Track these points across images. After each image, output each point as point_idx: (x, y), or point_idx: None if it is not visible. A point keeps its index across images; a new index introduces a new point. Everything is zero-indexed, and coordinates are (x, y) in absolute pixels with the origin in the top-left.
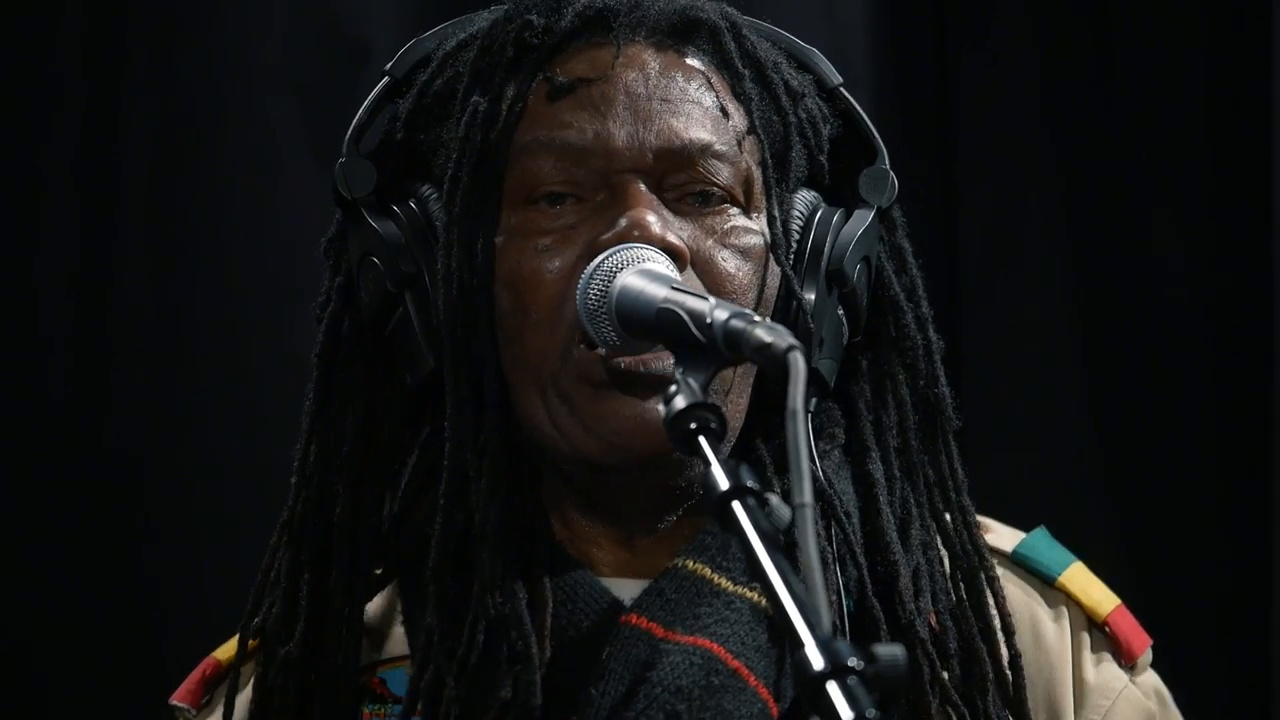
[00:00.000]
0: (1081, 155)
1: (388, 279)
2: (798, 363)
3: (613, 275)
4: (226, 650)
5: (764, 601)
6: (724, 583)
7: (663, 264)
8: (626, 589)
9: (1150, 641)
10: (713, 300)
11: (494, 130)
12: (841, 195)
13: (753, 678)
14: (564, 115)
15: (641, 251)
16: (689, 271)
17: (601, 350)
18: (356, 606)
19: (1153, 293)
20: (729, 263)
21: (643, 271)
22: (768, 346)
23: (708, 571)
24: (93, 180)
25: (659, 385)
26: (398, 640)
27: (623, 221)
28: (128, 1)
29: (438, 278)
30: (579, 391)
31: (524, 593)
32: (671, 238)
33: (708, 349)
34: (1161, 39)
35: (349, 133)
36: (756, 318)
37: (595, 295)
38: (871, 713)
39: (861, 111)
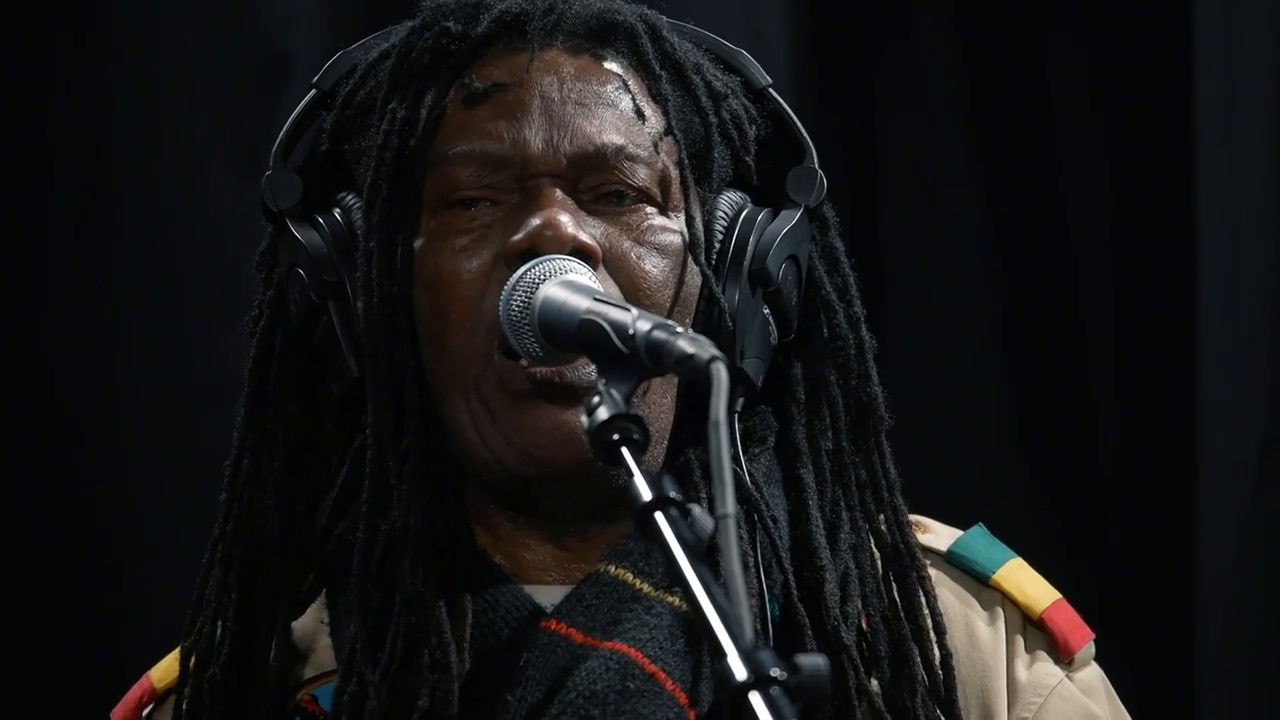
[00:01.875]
0: (1003, 150)
1: (311, 289)
2: (720, 374)
3: (535, 287)
4: (160, 670)
5: (686, 606)
6: (646, 588)
7: (585, 275)
8: (550, 595)
9: (1091, 635)
10: (635, 311)
11: (412, 137)
12: (771, 196)
13: (670, 682)
14: (481, 123)
15: (564, 263)
16: (603, 271)
17: (523, 361)
18: (284, 624)
19: (1075, 285)
20: (644, 261)
21: (565, 283)
22: (690, 358)
23: (630, 576)
24: (20, 189)
25: (577, 394)
26: (327, 654)
27: (535, 221)
28: (53, 12)
29: (358, 285)
30: (499, 400)
31: (444, 601)
32: (584, 237)
33: (630, 360)
34: (1084, 31)
35: (275, 145)
36: (679, 329)
37: (518, 307)
38: None
39: (790, 111)
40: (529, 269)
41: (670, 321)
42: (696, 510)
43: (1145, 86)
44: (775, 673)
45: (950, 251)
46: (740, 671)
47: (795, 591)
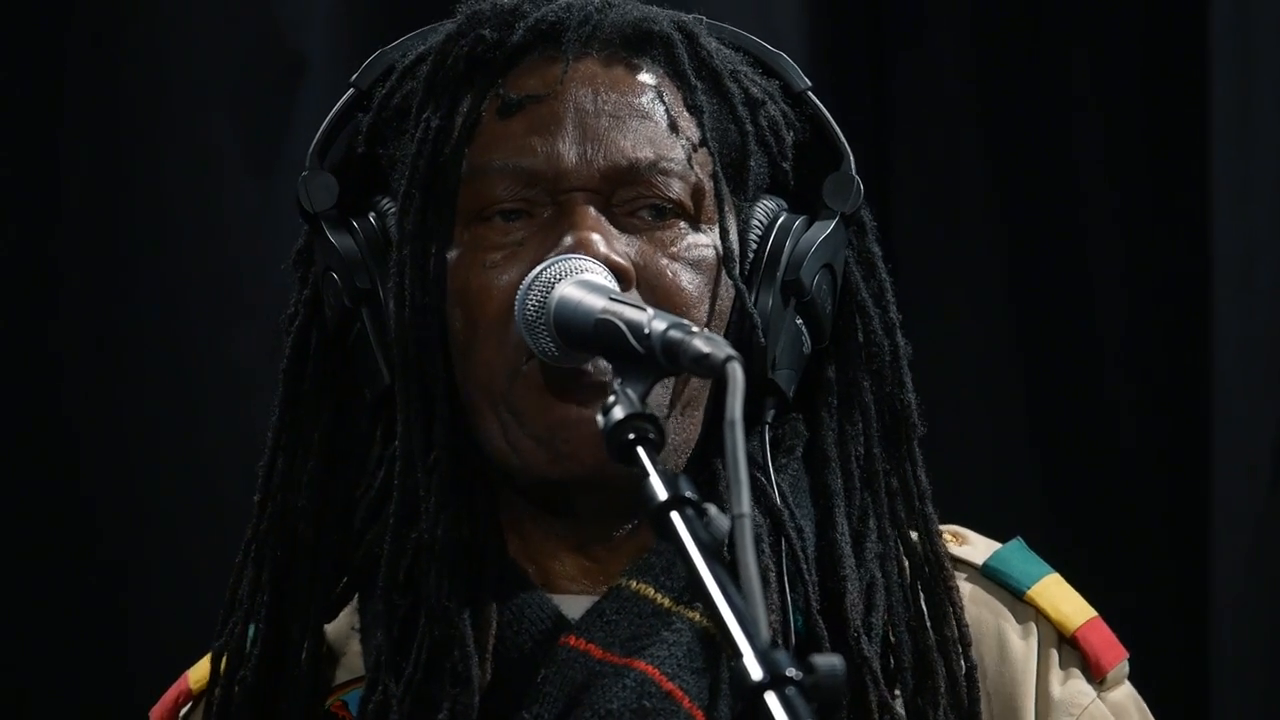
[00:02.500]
0: (1016, 151)
1: (345, 295)
2: (735, 373)
3: (551, 286)
4: (198, 671)
5: (706, 622)
6: (666, 602)
7: (601, 274)
8: (577, 605)
9: (1125, 655)
10: (651, 311)
11: (446, 146)
12: (808, 200)
13: (687, 700)
14: (515, 135)
15: (579, 262)
16: (633, 291)
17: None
18: (316, 627)
19: (1089, 283)
20: (679, 277)
21: (581, 282)
22: (706, 357)
23: (651, 591)
24: (32, 188)
25: (599, 395)
26: (358, 659)
27: (568, 240)
28: (66, 12)
29: (391, 294)
30: (527, 401)
31: (469, 613)
32: (616, 257)
33: (646, 360)
34: (1098, 35)
35: (313, 145)
36: (695, 328)
37: (533, 306)
38: None
39: (828, 115)
40: (545, 268)
41: (686, 321)
42: (713, 510)
43: (1159, 84)
44: (791, 673)
45: (964, 252)
46: (756, 671)
47: (816, 604)
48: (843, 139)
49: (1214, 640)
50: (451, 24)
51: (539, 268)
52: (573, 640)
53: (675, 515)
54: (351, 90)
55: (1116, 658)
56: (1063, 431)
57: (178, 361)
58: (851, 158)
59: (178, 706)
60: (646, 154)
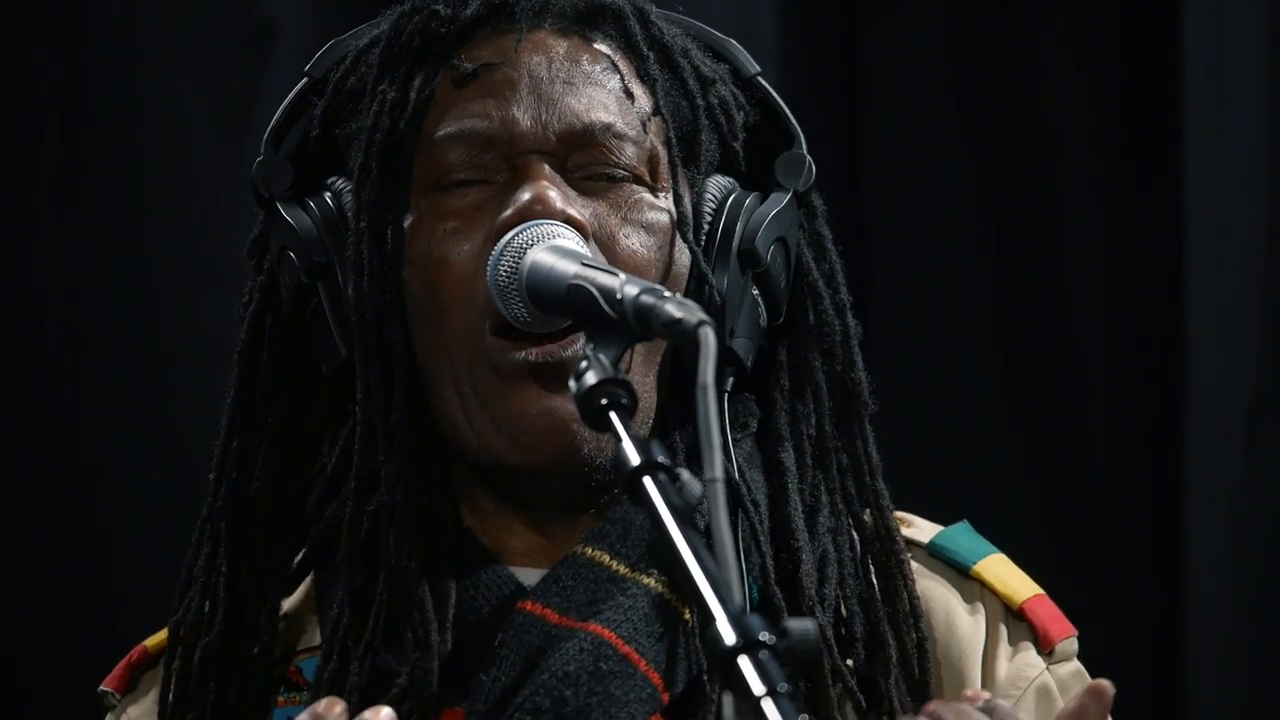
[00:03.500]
0: (992, 134)
1: (301, 270)
2: (708, 338)
3: (523, 252)
4: (157, 639)
5: (661, 587)
6: (622, 569)
7: (573, 240)
8: (532, 577)
9: (1073, 631)
10: (623, 276)
11: (402, 118)
12: (760, 182)
13: (643, 663)
14: (469, 103)
15: (552, 228)
16: (592, 245)
17: (517, 349)
18: (273, 599)
19: (1063, 249)
20: (632, 238)
21: (553, 248)
22: (678, 322)
23: (606, 558)
24: (4, 156)
25: (560, 376)
26: (316, 631)
27: (524, 196)
28: None
29: (348, 265)
30: (490, 383)
31: (428, 579)
32: (572, 211)
33: (619, 325)
34: (1074, 18)
35: (267, 132)
36: (667, 293)
37: (505, 272)
38: (783, 687)
39: (779, 99)
40: (516, 234)
41: (659, 286)
42: (685, 475)
43: (1133, 57)
44: (764, 637)
45: (938, 225)
46: (729, 636)
47: (772, 574)
48: (794, 122)
49: (1189, 606)
50: (403, 4)
51: (511, 233)
52: (529, 605)
53: (648, 480)
54: (306, 79)
55: (1064, 631)
56: (1037, 401)
57: (149, 324)
58: (803, 139)
59: (132, 669)
60: (600, 117)
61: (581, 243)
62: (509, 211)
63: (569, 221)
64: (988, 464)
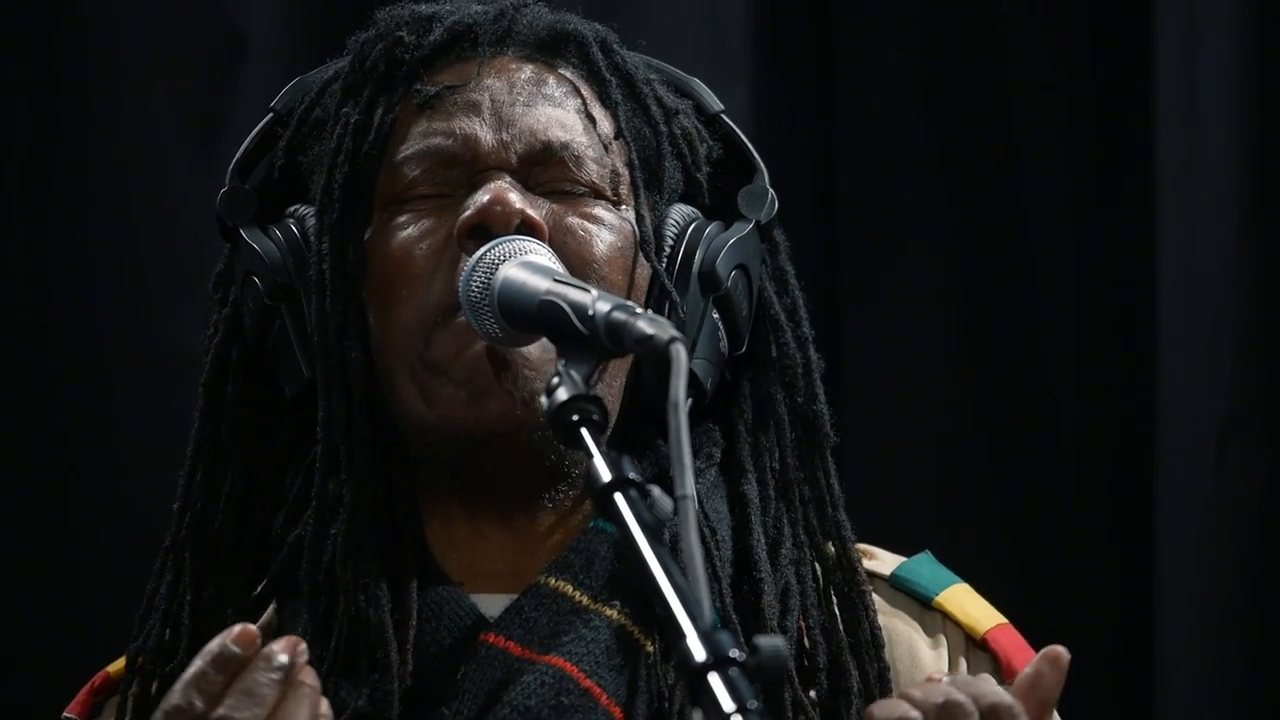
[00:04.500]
0: (964, 153)
1: (265, 293)
2: (679, 354)
3: (495, 267)
4: (119, 665)
5: (623, 619)
6: (585, 600)
7: (545, 256)
8: (496, 605)
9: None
10: (595, 292)
11: (365, 141)
12: (723, 215)
13: (604, 697)
14: (432, 123)
15: (524, 244)
16: (550, 248)
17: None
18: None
19: (1034, 266)
20: (592, 238)
21: (525, 264)
22: (650, 338)
23: (569, 589)
24: None
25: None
26: None
27: (483, 198)
28: None
29: (311, 285)
30: (447, 348)
31: (389, 601)
32: (531, 211)
33: (590, 341)
34: (1043, 17)
35: (232, 164)
36: (639, 310)
37: (478, 288)
38: (753, 703)
39: (742, 135)
40: (489, 249)
41: (630, 303)
42: (656, 492)
43: (1105, 73)
44: (734, 654)
45: (909, 243)
46: (699, 652)
47: (730, 601)
48: (757, 156)
49: (1159, 622)
50: (367, 32)
51: (484, 249)
52: (492, 637)
53: (619, 496)
54: (271, 113)
55: (1027, 660)
56: (1009, 417)
57: (119, 336)
58: (765, 173)
59: (95, 695)
60: (559, 135)
61: (554, 259)
62: (469, 211)
63: (527, 220)
64: (959, 475)
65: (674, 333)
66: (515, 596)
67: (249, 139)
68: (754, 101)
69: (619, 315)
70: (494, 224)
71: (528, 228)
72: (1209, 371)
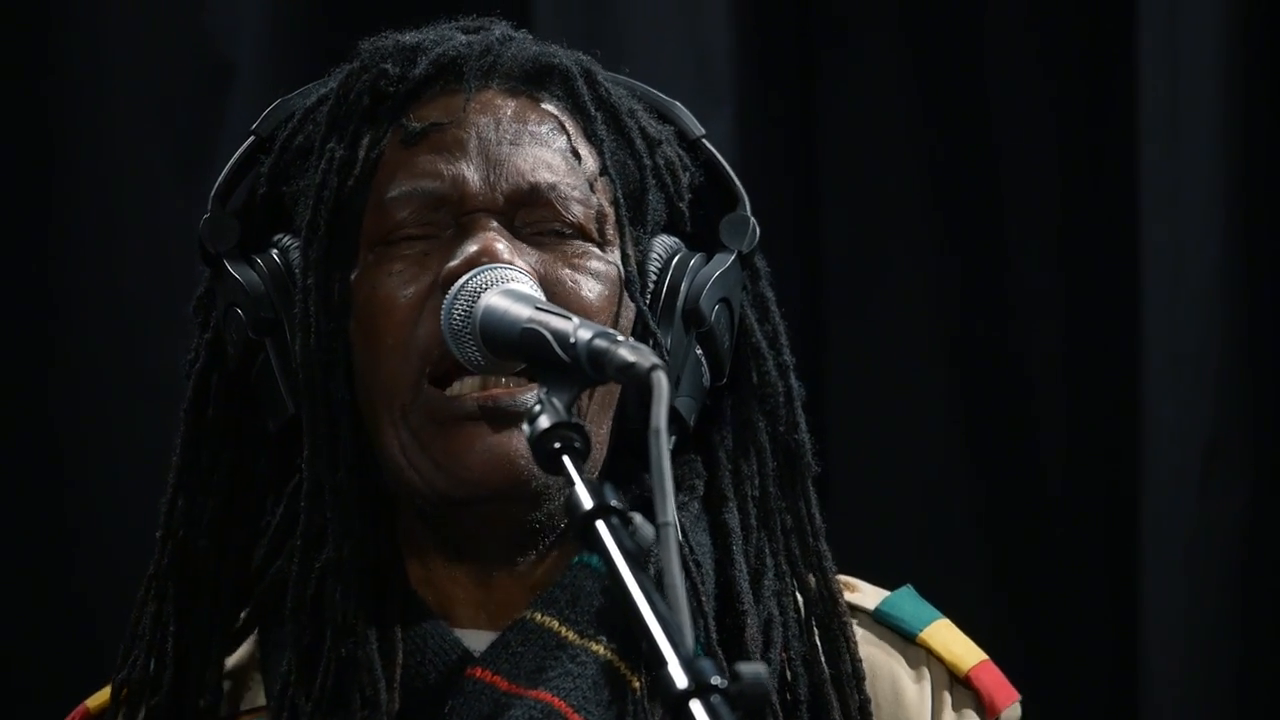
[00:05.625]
0: (949, 184)
1: (249, 327)
2: (661, 382)
3: (477, 295)
4: (99, 699)
5: (610, 654)
6: (571, 636)
7: (527, 284)
8: (479, 640)
9: (1017, 696)
10: (576, 320)
11: (351, 176)
12: (705, 243)
13: None
14: (418, 162)
15: (506, 272)
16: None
17: (449, 393)
18: (217, 657)
19: (1020, 292)
20: (580, 286)
21: (507, 292)
22: (631, 366)
23: (556, 624)
24: None
25: (510, 418)
26: (261, 690)
27: (472, 248)
28: None
29: (295, 322)
30: (426, 430)
31: (375, 638)
32: (520, 262)
33: (572, 369)
34: (1031, 60)
35: (214, 189)
36: (620, 337)
37: (460, 316)
38: None
39: (723, 161)
40: (471, 277)
41: (612, 331)
42: (638, 519)
43: (1089, 97)
44: (716, 681)
45: (894, 263)
46: (681, 679)
47: (715, 635)
48: (738, 183)
49: (1145, 647)
50: (351, 64)
51: (465, 276)
52: (479, 672)
53: (601, 524)
54: (253, 137)
55: (1009, 698)
56: (993, 444)
57: (102, 365)
58: (747, 200)
59: None
60: (545, 177)
61: (535, 287)
62: (456, 261)
63: None
64: (944, 503)
65: (655, 360)
66: (498, 633)
67: (230, 163)
68: (738, 127)
69: (600, 343)
70: None
71: None
72: (1192, 398)
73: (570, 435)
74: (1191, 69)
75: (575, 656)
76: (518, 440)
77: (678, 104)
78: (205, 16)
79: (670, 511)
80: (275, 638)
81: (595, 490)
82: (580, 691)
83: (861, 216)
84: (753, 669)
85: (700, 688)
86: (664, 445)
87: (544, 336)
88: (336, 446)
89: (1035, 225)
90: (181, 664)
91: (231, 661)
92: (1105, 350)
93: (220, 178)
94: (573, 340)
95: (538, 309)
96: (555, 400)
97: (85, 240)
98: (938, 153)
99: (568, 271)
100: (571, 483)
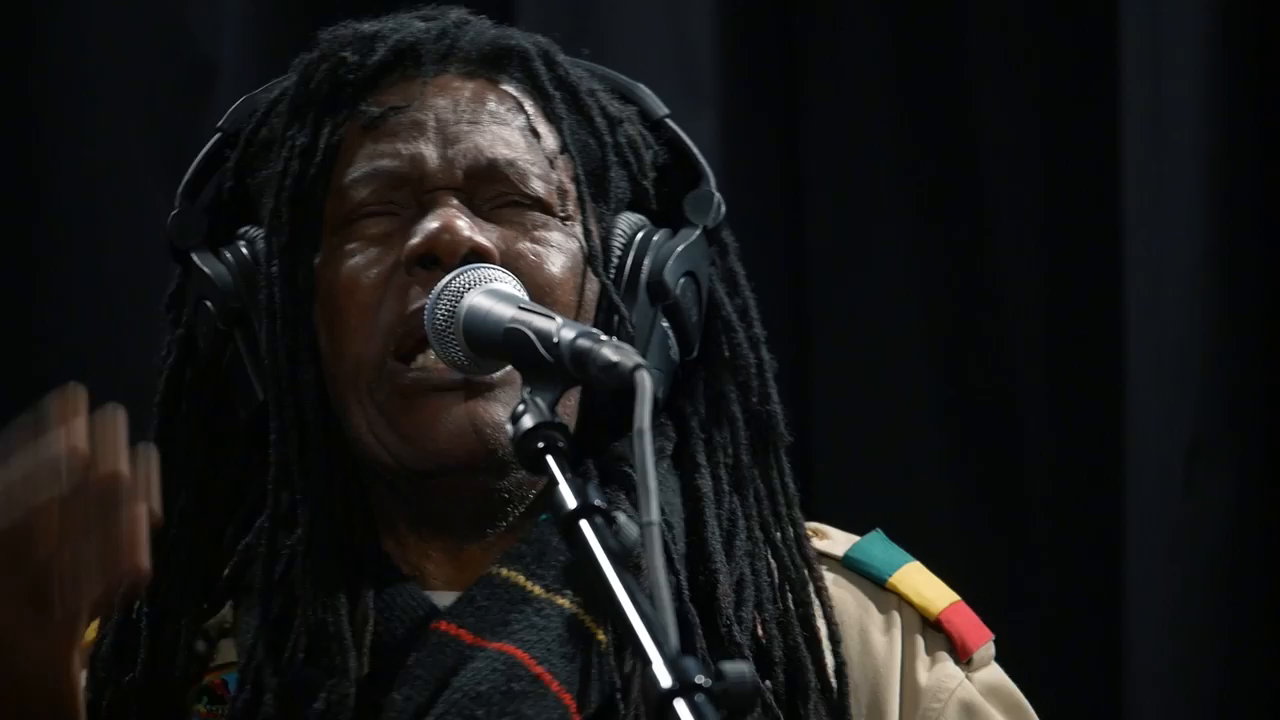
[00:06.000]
0: (933, 181)
1: (218, 318)
2: (644, 381)
3: (460, 295)
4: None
5: (575, 608)
6: (537, 590)
7: (510, 284)
8: (447, 600)
9: (990, 636)
10: (560, 319)
11: (312, 163)
12: (670, 220)
13: (555, 683)
14: (378, 144)
15: (489, 271)
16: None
17: (414, 366)
18: (186, 640)
19: (1004, 289)
20: (543, 259)
21: (490, 291)
22: (614, 365)
23: (521, 579)
24: None
25: (475, 389)
26: (231, 650)
27: (431, 225)
28: None
29: (261, 309)
30: (393, 403)
31: (346, 606)
32: (480, 238)
33: (555, 368)
34: (1016, 61)
35: (181, 186)
36: (603, 336)
37: (443, 315)
38: None
39: (687, 139)
40: (454, 277)
41: (595, 330)
42: (622, 518)
43: (1073, 99)
44: (700, 680)
45: (879, 258)
46: (665, 679)
47: (687, 592)
48: (702, 160)
49: (1129, 642)
50: (310, 54)
51: (449, 276)
52: (444, 625)
53: (584, 524)
54: (219, 133)
55: (982, 638)
56: (977, 442)
57: (86, 361)
58: (711, 177)
59: None
60: (505, 153)
61: (519, 287)
62: (417, 239)
63: (476, 248)
64: (927, 500)
65: (638, 359)
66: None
67: (197, 160)
68: (722, 119)
69: (584, 343)
70: (442, 252)
71: (477, 255)
72: (1176, 396)
73: (554, 435)
74: (1176, 68)
75: (540, 610)
76: (482, 409)
77: (641, 85)
78: (188, 16)
79: (654, 511)
80: (249, 603)
81: (579, 490)
82: (544, 644)
83: (845, 207)
84: (737, 668)
85: (684, 686)
86: (648, 445)
87: (527, 336)
88: (304, 430)
89: (1019, 221)
90: (153, 641)
91: (211, 621)
92: (1089, 349)
93: (187, 174)
94: (556, 340)
95: (521, 309)
96: (539, 400)
97: (68, 238)
98: (921, 144)
99: (529, 245)
100: (555, 482)
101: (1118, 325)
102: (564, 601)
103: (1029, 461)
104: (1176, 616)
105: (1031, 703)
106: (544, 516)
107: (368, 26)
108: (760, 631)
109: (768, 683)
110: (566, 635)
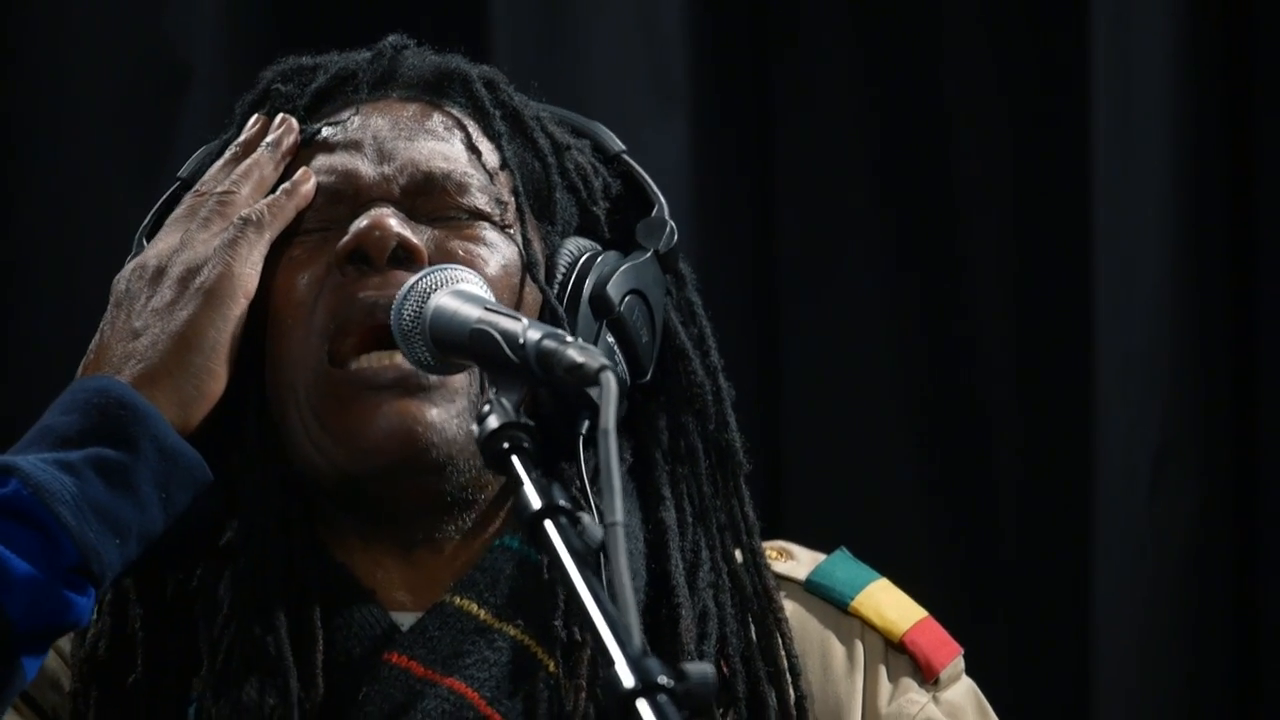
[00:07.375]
0: (903, 187)
1: None
2: (609, 383)
3: (426, 296)
4: None
5: (525, 637)
6: (488, 618)
7: (476, 285)
8: (405, 620)
9: (958, 651)
10: (526, 320)
11: None
12: (624, 249)
13: None
14: (314, 164)
15: (456, 273)
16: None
17: (350, 366)
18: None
19: (973, 293)
20: (474, 258)
21: (456, 292)
22: (580, 366)
23: (474, 607)
24: None
25: (405, 386)
26: None
27: (363, 222)
28: None
29: None
30: (325, 406)
31: (285, 625)
32: (408, 234)
33: (520, 369)
34: (984, 59)
35: (140, 230)
36: (569, 338)
37: (409, 316)
38: None
39: (642, 172)
40: (420, 278)
41: (561, 331)
42: (586, 519)
43: (1042, 103)
44: (663, 680)
45: (849, 266)
46: (628, 679)
47: (639, 625)
48: (657, 191)
49: (1095, 646)
50: (253, 90)
51: (414, 278)
52: (395, 657)
53: (549, 524)
54: (178, 182)
55: (948, 655)
56: (944, 446)
57: (57, 368)
58: (665, 205)
59: None
60: (442, 165)
61: (485, 288)
62: (346, 236)
63: (404, 244)
64: (895, 506)
65: (604, 360)
66: (420, 614)
67: (156, 206)
68: (693, 130)
69: (549, 344)
70: (370, 248)
71: (405, 251)
72: (1144, 400)
73: (519, 435)
74: (1145, 81)
75: (492, 641)
76: (415, 408)
77: (598, 124)
78: (163, 20)
79: (618, 511)
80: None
81: (544, 490)
82: (494, 680)
83: (815, 217)
84: (700, 668)
85: (647, 686)
86: (613, 446)
87: (493, 337)
88: (245, 446)
89: (988, 227)
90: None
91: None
92: (1057, 353)
93: (146, 219)
94: (522, 341)
95: (487, 309)
96: (504, 400)
97: (41, 241)
98: (891, 154)
99: (461, 243)
100: (520, 483)
101: (1086, 332)
102: (513, 630)
103: (997, 466)
104: (1144, 619)
105: (998, 706)
106: (497, 543)
107: (307, 60)
108: (724, 666)
109: (732, 715)
110: (516, 668)
